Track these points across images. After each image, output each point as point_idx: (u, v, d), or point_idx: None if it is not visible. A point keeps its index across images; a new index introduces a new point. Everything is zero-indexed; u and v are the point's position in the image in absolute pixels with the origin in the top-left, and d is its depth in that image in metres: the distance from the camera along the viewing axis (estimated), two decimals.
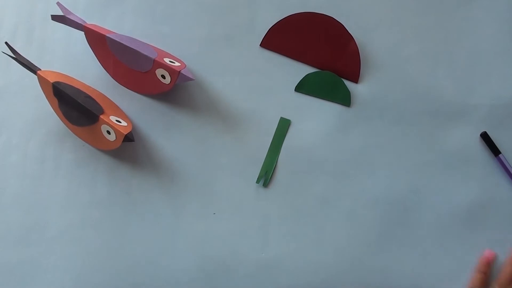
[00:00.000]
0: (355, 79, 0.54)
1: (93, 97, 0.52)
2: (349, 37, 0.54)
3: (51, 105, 0.53)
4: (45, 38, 0.57)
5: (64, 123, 0.54)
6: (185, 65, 0.53)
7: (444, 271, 0.46)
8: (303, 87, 0.54)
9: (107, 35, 0.52)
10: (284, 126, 0.53)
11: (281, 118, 0.53)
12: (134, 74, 0.53)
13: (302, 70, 0.55)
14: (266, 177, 0.52)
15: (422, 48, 0.55)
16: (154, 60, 0.51)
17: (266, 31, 0.55)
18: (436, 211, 0.52)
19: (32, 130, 0.55)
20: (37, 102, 0.55)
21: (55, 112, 0.53)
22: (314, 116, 0.53)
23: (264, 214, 0.52)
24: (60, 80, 0.52)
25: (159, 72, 0.51)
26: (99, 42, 0.53)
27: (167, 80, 0.51)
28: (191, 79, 0.50)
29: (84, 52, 0.55)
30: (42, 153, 0.55)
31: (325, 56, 0.54)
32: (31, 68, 0.52)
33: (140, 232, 0.52)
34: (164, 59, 0.52)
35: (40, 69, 0.52)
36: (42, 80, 0.52)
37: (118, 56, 0.53)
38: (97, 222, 0.52)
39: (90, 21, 0.55)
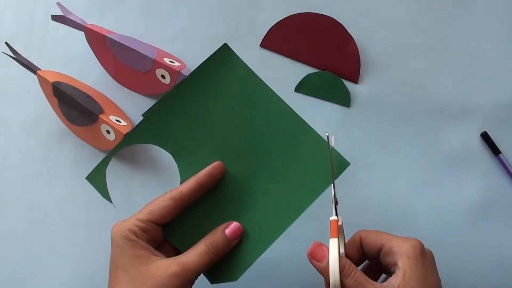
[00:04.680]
0: (355, 79, 0.54)
1: (93, 97, 0.52)
2: (349, 38, 0.54)
3: (51, 105, 0.53)
4: (45, 38, 0.57)
5: (64, 123, 0.54)
6: (185, 65, 0.53)
7: (444, 270, 0.46)
8: (303, 87, 0.54)
9: (107, 35, 0.52)
10: None
11: None
12: (134, 74, 0.53)
13: (302, 70, 0.55)
14: None
15: (422, 48, 0.55)
16: (154, 60, 0.51)
17: (266, 31, 0.55)
18: (436, 211, 0.52)
19: (32, 130, 0.55)
20: (37, 102, 0.55)
21: (55, 112, 0.53)
22: (314, 116, 0.53)
23: None
24: (60, 80, 0.52)
25: (159, 72, 0.51)
26: (99, 42, 0.53)
27: (167, 80, 0.51)
28: None
29: (84, 52, 0.55)
30: (42, 153, 0.55)
31: (325, 56, 0.54)
32: (31, 68, 0.52)
33: None
34: (164, 59, 0.52)
35: (40, 69, 0.52)
36: (42, 80, 0.52)
37: (118, 56, 0.53)
38: (98, 222, 0.52)
39: (90, 21, 0.55)
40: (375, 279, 0.38)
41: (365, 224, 0.51)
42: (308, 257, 0.38)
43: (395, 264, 0.36)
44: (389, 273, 0.37)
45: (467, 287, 0.50)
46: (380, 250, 0.38)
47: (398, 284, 0.35)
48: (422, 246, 0.37)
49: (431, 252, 0.38)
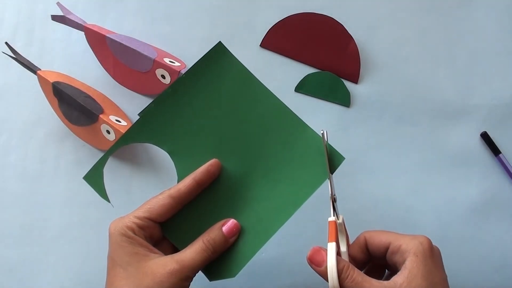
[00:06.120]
0: (355, 79, 0.54)
1: (93, 97, 0.52)
2: (349, 38, 0.54)
3: (51, 105, 0.53)
4: (45, 38, 0.57)
5: (64, 123, 0.54)
6: (185, 65, 0.53)
7: None
8: (303, 87, 0.54)
9: (107, 35, 0.52)
10: None
11: None
12: (134, 74, 0.53)
13: (302, 70, 0.55)
14: None
15: (422, 48, 0.55)
16: (154, 60, 0.51)
17: (266, 31, 0.55)
18: (436, 211, 0.52)
19: (32, 130, 0.55)
20: (37, 102, 0.55)
21: (55, 112, 0.53)
22: (314, 117, 0.53)
23: None
24: (60, 80, 0.52)
25: (159, 72, 0.51)
26: (99, 42, 0.53)
27: (167, 80, 0.51)
28: None
29: (84, 52, 0.55)
30: (42, 153, 0.55)
31: (325, 56, 0.54)
32: (31, 68, 0.52)
33: None
34: (164, 59, 0.52)
35: (40, 69, 0.52)
36: (42, 80, 0.52)
37: (118, 56, 0.53)
38: (97, 222, 0.52)
39: (90, 21, 0.55)
40: (380, 278, 0.38)
41: (364, 224, 0.51)
42: (307, 262, 0.38)
43: (403, 262, 0.36)
44: (397, 271, 0.37)
45: (467, 286, 0.50)
46: (387, 249, 0.38)
47: (402, 282, 0.35)
48: (430, 242, 0.37)
49: (438, 249, 0.38)
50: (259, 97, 0.41)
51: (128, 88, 0.55)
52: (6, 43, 0.52)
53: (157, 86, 0.53)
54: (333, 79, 0.54)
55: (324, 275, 0.37)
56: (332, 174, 0.40)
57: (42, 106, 0.54)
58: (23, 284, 0.52)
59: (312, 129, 0.41)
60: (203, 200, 0.41)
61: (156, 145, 0.42)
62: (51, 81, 0.51)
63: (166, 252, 0.39)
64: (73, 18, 0.53)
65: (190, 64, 0.55)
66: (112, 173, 0.53)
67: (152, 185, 0.53)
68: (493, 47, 0.54)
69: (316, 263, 0.37)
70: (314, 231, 0.51)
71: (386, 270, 0.42)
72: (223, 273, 0.40)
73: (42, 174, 0.54)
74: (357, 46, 0.54)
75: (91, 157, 0.54)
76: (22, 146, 0.55)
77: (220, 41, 0.41)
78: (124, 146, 0.41)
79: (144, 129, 0.41)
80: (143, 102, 0.55)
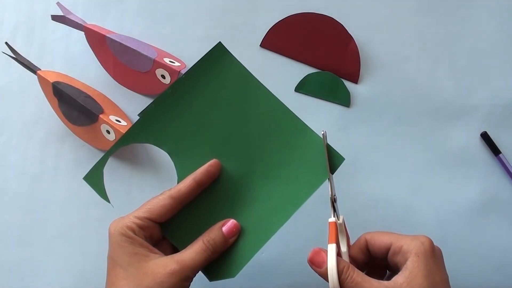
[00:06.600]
0: (355, 79, 0.54)
1: (93, 97, 0.52)
2: (349, 38, 0.54)
3: (51, 105, 0.53)
4: (45, 38, 0.57)
5: (64, 123, 0.54)
6: (185, 65, 0.53)
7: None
8: (303, 87, 0.54)
9: (107, 35, 0.52)
10: None
11: None
12: (134, 74, 0.53)
13: (302, 70, 0.55)
14: None
15: (422, 48, 0.55)
16: (154, 60, 0.51)
17: (266, 31, 0.55)
18: (436, 211, 0.52)
19: (32, 130, 0.55)
20: (37, 102, 0.55)
21: (55, 112, 0.53)
22: (314, 117, 0.53)
23: None
24: (60, 80, 0.52)
25: (159, 72, 0.51)
26: (99, 42, 0.53)
27: (167, 80, 0.51)
28: None
29: (84, 52, 0.55)
30: (42, 153, 0.55)
31: (325, 56, 0.54)
32: (31, 68, 0.52)
33: None
34: (164, 59, 0.52)
35: (40, 69, 0.52)
36: (42, 80, 0.52)
37: (118, 56, 0.53)
38: (97, 222, 0.52)
39: (90, 21, 0.55)
40: (381, 278, 0.38)
41: (365, 224, 0.51)
42: (308, 263, 0.38)
43: (405, 263, 0.36)
44: (398, 272, 0.37)
45: (467, 286, 0.50)
46: (388, 250, 0.38)
47: (402, 282, 0.35)
48: (431, 243, 0.37)
49: (440, 249, 0.39)
50: (259, 98, 0.41)
51: (128, 88, 0.55)
52: (6, 43, 0.52)
53: (157, 86, 0.53)
54: (333, 79, 0.54)
55: (324, 276, 0.37)
56: (332, 174, 0.40)
57: (42, 106, 0.54)
58: (23, 284, 0.52)
59: (312, 130, 0.41)
60: (203, 200, 0.41)
61: (156, 145, 0.42)
62: (51, 81, 0.51)
63: (166, 252, 0.39)
64: (73, 18, 0.53)
65: (190, 64, 0.55)
66: (112, 173, 0.53)
67: (152, 185, 0.53)
68: (493, 47, 0.54)
69: (317, 264, 0.37)
70: (314, 232, 0.51)
71: (387, 271, 0.42)
72: (223, 274, 0.40)
73: (42, 174, 0.54)
74: (357, 46, 0.54)
75: (91, 157, 0.54)
76: (22, 146, 0.55)
77: (220, 41, 0.41)
78: (124, 146, 0.41)
79: (144, 129, 0.41)
80: (143, 102, 0.55)
